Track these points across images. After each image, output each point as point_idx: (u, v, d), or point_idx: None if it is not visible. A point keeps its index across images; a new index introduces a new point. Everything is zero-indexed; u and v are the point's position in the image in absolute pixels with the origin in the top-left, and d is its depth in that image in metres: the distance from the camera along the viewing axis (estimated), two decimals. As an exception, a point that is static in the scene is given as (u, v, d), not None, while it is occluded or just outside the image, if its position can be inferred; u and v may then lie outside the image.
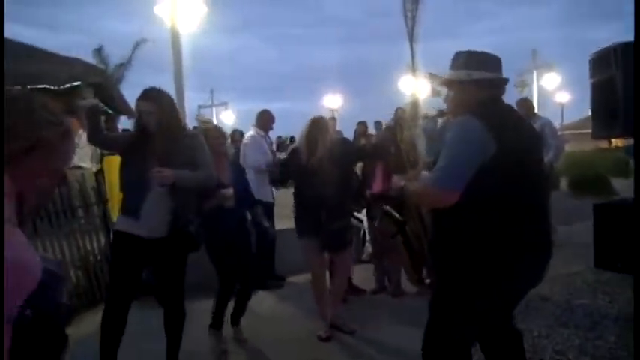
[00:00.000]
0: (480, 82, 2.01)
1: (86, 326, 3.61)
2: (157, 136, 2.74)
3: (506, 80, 2.12)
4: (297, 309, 4.30)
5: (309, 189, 3.49)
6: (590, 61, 4.88)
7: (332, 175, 3.44)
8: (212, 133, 3.48)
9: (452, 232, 1.94)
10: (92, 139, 2.98)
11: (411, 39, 12.81)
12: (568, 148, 21.09)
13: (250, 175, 4.90)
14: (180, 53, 5.61)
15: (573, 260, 5.03)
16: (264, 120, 5.31)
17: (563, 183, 10.96)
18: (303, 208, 3.62)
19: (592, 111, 4.90)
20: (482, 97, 1.99)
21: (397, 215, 2.24)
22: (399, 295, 4.43)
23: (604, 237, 4.83)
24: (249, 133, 5.37)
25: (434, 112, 2.77)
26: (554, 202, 8.19)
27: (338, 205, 3.53)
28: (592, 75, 4.87)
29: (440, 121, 2.90)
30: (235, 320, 3.66)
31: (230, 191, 3.35)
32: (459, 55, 2.10)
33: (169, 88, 5.73)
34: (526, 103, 6.59)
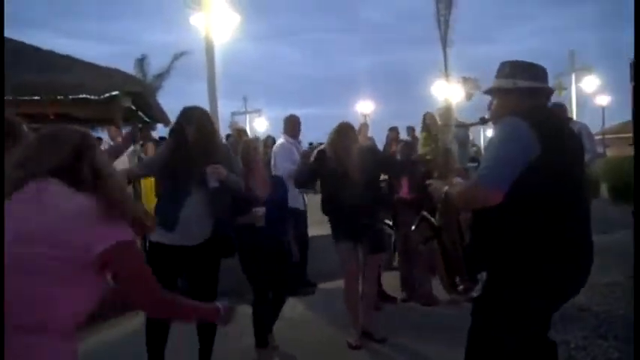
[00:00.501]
0: (525, 90, 2.02)
1: (118, 331, 3.73)
2: (195, 148, 2.84)
3: (552, 90, 2.15)
4: (327, 315, 4.30)
5: (343, 193, 3.51)
6: (630, 64, 4.76)
7: (362, 180, 3.49)
8: (252, 143, 3.57)
9: (496, 233, 1.94)
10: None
11: (444, 44, 12.74)
12: (608, 152, 20.46)
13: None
14: (214, 62, 5.74)
15: (612, 269, 4.86)
16: (291, 125, 5.30)
17: (603, 189, 10.63)
18: (337, 212, 3.63)
19: (633, 116, 4.76)
20: (526, 105, 2.00)
21: (433, 220, 2.22)
22: (430, 305, 4.39)
23: (646, 246, 4.66)
24: (279, 140, 5.41)
25: (467, 120, 2.76)
26: (593, 209, 8.00)
27: (372, 208, 3.59)
28: (633, 79, 4.74)
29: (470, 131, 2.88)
30: (261, 342, 3.60)
31: (262, 210, 3.30)
32: (505, 64, 2.13)
33: (203, 96, 5.86)
34: (560, 109, 6.51)
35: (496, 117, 2.15)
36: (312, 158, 3.81)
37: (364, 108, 25.21)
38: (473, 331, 2.04)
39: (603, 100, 21.28)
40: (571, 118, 6.55)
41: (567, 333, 3.44)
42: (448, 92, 10.81)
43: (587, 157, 6.31)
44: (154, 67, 19.69)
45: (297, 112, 5.46)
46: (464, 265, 2.14)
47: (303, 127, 5.44)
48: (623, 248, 5.10)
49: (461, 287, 2.14)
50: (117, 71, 7.61)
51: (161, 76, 19.24)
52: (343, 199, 3.52)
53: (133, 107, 8.55)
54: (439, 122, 6.86)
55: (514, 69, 2.06)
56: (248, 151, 3.47)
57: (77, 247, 1.22)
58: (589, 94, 16.96)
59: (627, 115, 4.97)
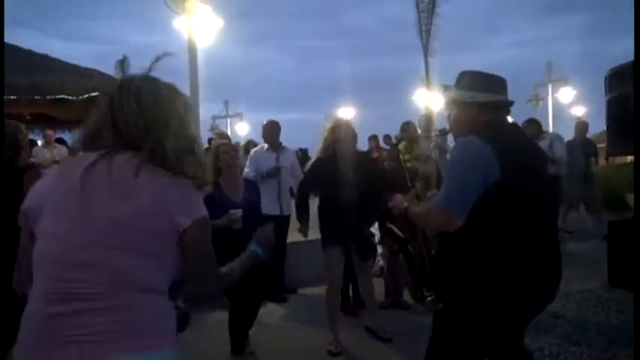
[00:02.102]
0: (484, 104, 1.97)
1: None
2: None
3: (511, 103, 2.07)
4: (307, 322, 4.29)
5: (338, 196, 3.52)
6: (606, 77, 4.88)
7: (356, 180, 3.52)
8: (223, 147, 3.45)
9: (456, 258, 1.91)
10: None
11: (426, 53, 12.87)
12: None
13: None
14: (197, 65, 5.70)
15: (587, 277, 4.97)
16: (267, 131, 5.19)
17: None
18: (330, 216, 3.63)
19: (607, 128, 4.89)
20: (485, 119, 1.96)
21: (399, 233, 2.22)
22: (408, 308, 4.46)
23: (618, 254, 4.79)
24: (257, 147, 5.41)
25: (444, 129, 2.78)
26: (569, 218, 8.15)
27: (365, 214, 3.61)
28: (608, 91, 4.86)
29: (449, 137, 2.91)
30: (237, 350, 3.55)
31: (239, 212, 3.31)
32: (464, 75, 2.08)
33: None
34: (532, 125, 6.78)
35: (456, 129, 2.11)
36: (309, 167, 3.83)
37: (346, 114, 25.31)
38: (431, 344, 2.00)
39: (579, 110, 21.80)
40: (544, 131, 6.77)
41: (541, 340, 3.50)
42: (429, 100, 10.93)
43: (562, 167, 6.53)
44: (135, 68, 19.48)
45: (279, 117, 5.39)
46: (431, 276, 2.14)
47: (285, 133, 5.30)
48: (597, 256, 5.23)
49: (429, 298, 2.13)
50: (97, 72, 7.50)
51: (141, 77, 19.02)
52: (336, 201, 3.53)
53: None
54: (419, 131, 6.96)
55: (473, 81, 2.02)
56: (218, 155, 3.41)
57: (171, 225, 1.30)
58: (565, 104, 17.34)
59: (602, 126, 5.09)
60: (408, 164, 4.58)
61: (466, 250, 1.87)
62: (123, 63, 19.60)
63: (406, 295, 4.55)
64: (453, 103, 2.11)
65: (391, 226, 2.30)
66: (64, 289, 1.22)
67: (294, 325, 4.32)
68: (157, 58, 19.05)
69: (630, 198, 9.48)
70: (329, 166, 3.59)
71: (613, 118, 4.75)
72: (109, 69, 19.10)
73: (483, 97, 1.96)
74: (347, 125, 3.70)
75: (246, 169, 4.99)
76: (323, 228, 3.67)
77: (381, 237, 2.31)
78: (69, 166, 1.43)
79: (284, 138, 5.29)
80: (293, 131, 5.61)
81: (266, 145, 5.16)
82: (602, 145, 5.86)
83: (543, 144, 6.21)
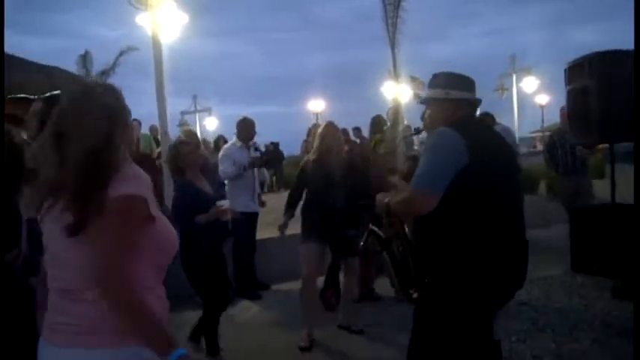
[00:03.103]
0: (457, 101, 2.12)
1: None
2: None
3: (479, 101, 2.24)
4: (280, 318, 4.32)
5: (325, 199, 3.59)
6: (565, 69, 5.01)
7: (344, 184, 3.60)
8: (184, 148, 3.34)
9: (433, 241, 2.01)
10: None
11: (392, 45, 12.94)
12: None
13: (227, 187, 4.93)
14: (162, 62, 5.59)
15: (551, 263, 5.13)
16: (242, 129, 5.17)
17: (542, 185, 11.14)
18: (315, 213, 3.67)
19: (569, 119, 5.03)
20: (458, 114, 2.10)
21: (381, 233, 2.27)
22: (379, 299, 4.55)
23: (580, 241, 4.97)
24: (228, 143, 5.36)
25: (417, 128, 2.86)
26: (531, 205, 8.38)
27: (352, 214, 3.65)
28: (568, 83, 5.01)
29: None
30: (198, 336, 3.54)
31: (226, 202, 3.31)
32: (437, 76, 2.22)
33: (153, 94, 5.69)
34: (486, 118, 6.94)
35: (430, 126, 2.24)
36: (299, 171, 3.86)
37: (315, 107, 25.27)
38: (415, 333, 2.09)
39: (542, 99, 22.38)
40: (497, 124, 6.82)
41: (509, 327, 3.61)
42: (397, 93, 11.02)
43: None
44: (99, 63, 18.95)
45: (249, 111, 5.47)
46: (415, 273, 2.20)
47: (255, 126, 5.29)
48: (559, 242, 5.40)
49: (415, 295, 2.19)
50: (59, 70, 7.31)
51: (106, 73, 18.52)
52: (324, 201, 3.59)
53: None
54: (388, 124, 7.03)
55: (446, 80, 2.17)
56: (178, 154, 3.35)
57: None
58: (529, 94, 17.84)
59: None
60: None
61: (440, 238, 1.97)
62: (85, 58, 19.04)
63: (376, 287, 4.64)
64: (428, 102, 2.25)
65: (374, 227, 2.34)
66: None
67: (267, 322, 4.34)
68: (121, 53, 18.60)
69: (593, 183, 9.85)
70: (318, 169, 3.68)
71: (574, 109, 4.90)
72: (71, 64, 18.56)
73: (456, 94, 2.13)
74: (335, 130, 3.80)
75: (221, 167, 4.95)
76: (304, 226, 3.72)
77: (365, 238, 2.34)
78: None
79: (257, 132, 5.31)
80: (263, 125, 5.61)
81: (239, 142, 5.13)
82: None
83: None
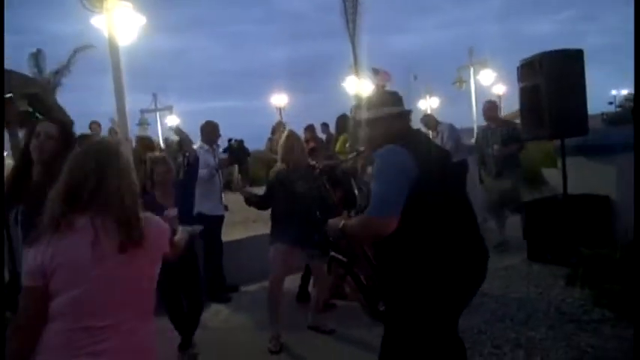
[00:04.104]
0: (391, 116, 2.21)
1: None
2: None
3: (410, 112, 2.34)
4: (251, 320, 4.36)
5: (292, 207, 3.65)
6: (518, 67, 5.22)
7: (312, 195, 3.64)
8: (160, 167, 3.47)
9: (393, 260, 2.06)
10: None
11: (353, 41, 13.10)
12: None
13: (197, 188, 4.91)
14: (120, 63, 5.44)
15: (510, 254, 5.36)
16: (206, 132, 5.23)
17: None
18: (283, 221, 3.73)
19: (521, 115, 5.25)
20: (396, 128, 2.19)
21: (342, 257, 2.33)
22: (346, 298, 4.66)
23: (535, 231, 5.21)
24: (194, 146, 5.32)
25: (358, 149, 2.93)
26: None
27: (317, 223, 3.69)
28: (520, 81, 5.22)
29: None
30: (185, 345, 3.64)
31: (174, 211, 3.35)
32: (370, 97, 2.45)
33: (110, 93, 5.55)
34: (429, 118, 7.30)
35: (373, 145, 2.27)
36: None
37: (278, 101, 25.10)
38: (385, 341, 2.15)
39: (499, 89, 22.97)
40: (438, 122, 7.02)
41: (471, 318, 3.76)
42: (359, 87, 11.12)
43: (451, 148, 6.50)
44: (52, 61, 18.27)
45: (211, 106, 5.56)
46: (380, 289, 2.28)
47: (217, 121, 5.36)
48: (516, 233, 5.62)
49: (382, 309, 2.27)
50: (12, 72, 7.05)
51: (60, 72, 17.90)
52: (293, 207, 3.64)
53: (30, 109, 7.98)
54: (352, 122, 7.11)
55: (377, 99, 2.34)
56: (153, 169, 3.47)
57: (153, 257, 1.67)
58: (486, 86, 18.28)
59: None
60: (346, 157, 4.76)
61: (400, 251, 2.02)
62: (37, 56, 18.33)
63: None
64: (366, 125, 2.29)
65: (333, 253, 2.39)
66: None
67: (238, 325, 4.37)
68: (76, 51, 17.99)
69: (545, 172, 10.24)
70: (284, 178, 3.73)
71: (526, 106, 5.12)
72: (22, 62, 17.78)
73: (390, 110, 2.22)
74: (297, 140, 3.86)
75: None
76: (273, 229, 3.79)
77: (328, 266, 2.40)
78: None
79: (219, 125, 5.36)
80: (225, 119, 5.59)
81: (205, 146, 5.16)
82: (517, 121, 6.04)
83: (438, 140, 6.40)
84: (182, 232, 2.13)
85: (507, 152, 5.65)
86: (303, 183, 3.69)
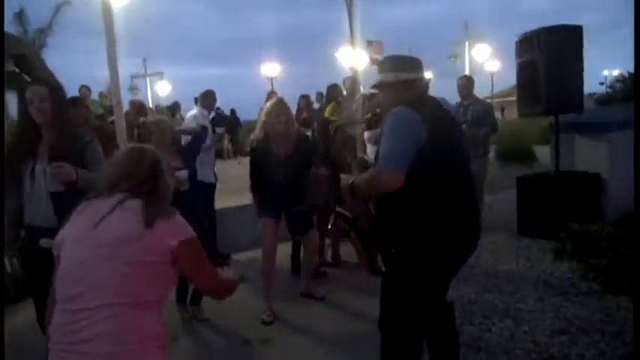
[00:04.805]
0: (407, 82, 2.22)
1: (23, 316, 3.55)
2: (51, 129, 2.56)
3: (428, 79, 2.36)
4: (244, 287, 4.38)
5: (274, 177, 3.62)
6: (516, 42, 5.20)
7: (297, 165, 3.65)
8: (147, 127, 3.50)
9: (397, 218, 2.13)
10: None
11: (349, 10, 12.76)
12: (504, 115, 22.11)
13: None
14: (113, 27, 5.33)
15: (499, 228, 5.44)
16: (210, 100, 5.44)
17: (492, 153, 11.58)
18: (264, 191, 3.71)
19: (518, 90, 5.25)
20: (411, 95, 2.19)
21: (348, 214, 2.37)
22: (337, 265, 4.75)
23: (526, 206, 5.28)
24: (193, 112, 5.30)
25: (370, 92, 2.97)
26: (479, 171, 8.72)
27: (300, 191, 3.73)
28: (518, 56, 5.20)
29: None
30: (195, 300, 3.79)
31: (185, 173, 3.40)
32: (386, 60, 2.35)
33: (97, 54, 5.46)
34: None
35: (385, 109, 2.31)
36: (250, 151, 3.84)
37: (270, 70, 24.79)
38: (383, 300, 2.25)
39: (494, 65, 22.95)
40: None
41: (461, 289, 3.85)
42: (354, 60, 10.95)
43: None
44: (35, 20, 17.74)
45: (203, 73, 5.67)
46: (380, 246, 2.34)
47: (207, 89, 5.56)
48: (507, 207, 5.71)
49: (383, 268, 2.33)
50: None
51: (44, 32, 17.42)
52: (272, 182, 3.62)
53: (17, 70, 7.79)
54: (344, 93, 7.09)
55: (394, 63, 2.28)
56: (147, 134, 3.49)
57: (162, 249, 1.57)
58: (480, 62, 18.25)
59: (514, 80, 5.35)
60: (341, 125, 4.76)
61: (402, 211, 2.09)
62: (20, 16, 17.81)
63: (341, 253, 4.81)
64: (380, 87, 2.33)
65: (340, 209, 2.43)
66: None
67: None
68: (57, 9, 17.44)
69: (537, 149, 10.34)
70: (263, 148, 3.66)
71: (522, 81, 5.12)
72: (6, 22, 17.27)
73: (406, 76, 2.22)
74: (281, 108, 3.68)
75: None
76: (256, 202, 3.78)
77: (333, 222, 2.43)
78: None
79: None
80: (216, 87, 5.65)
81: (205, 111, 5.35)
82: (513, 99, 6.08)
83: None
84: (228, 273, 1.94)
85: (475, 135, 5.23)
86: (284, 152, 3.64)
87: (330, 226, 2.42)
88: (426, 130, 2.00)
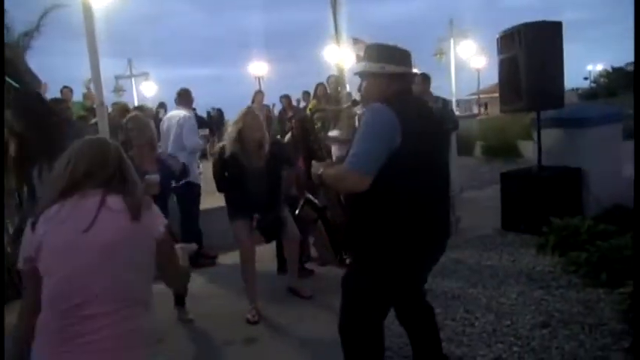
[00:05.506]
0: (392, 75, 2.13)
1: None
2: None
3: (415, 74, 2.26)
4: (228, 288, 4.39)
5: (246, 188, 3.64)
6: (497, 39, 5.24)
7: (269, 175, 3.68)
8: (132, 131, 3.45)
9: (363, 217, 2.09)
10: None
11: (334, 8, 12.78)
12: (484, 113, 22.21)
13: (181, 158, 4.88)
14: (94, 29, 5.29)
15: (483, 223, 5.49)
16: (189, 99, 5.45)
17: (477, 147, 11.69)
18: (236, 200, 3.74)
19: (499, 87, 5.29)
20: (393, 89, 2.12)
21: (317, 202, 2.37)
22: (325, 264, 4.74)
23: (509, 202, 5.33)
24: (183, 113, 5.26)
25: (355, 99, 2.92)
26: (467, 166, 8.80)
27: (271, 200, 3.76)
28: (500, 52, 5.24)
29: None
30: (179, 301, 3.82)
31: (156, 177, 3.35)
32: (373, 48, 2.21)
33: (84, 56, 5.39)
34: (423, 81, 7.32)
35: (366, 99, 2.26)
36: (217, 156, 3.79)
37: (257, 69, 24.58)
38: (342, 304, 2.23)
39: (479, 62, 23.03)
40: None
41: (445, 284, 3.89)
42: (339, 56, 10.98)
43: None
44: (20, 22, 17.49)
45: (190, 73, 5.57)
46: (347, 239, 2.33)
47: (197, 88, 5.69)
48: (492, 203, 5.75)
49: (348, 260, 2.33)
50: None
51: (29, 35, 17.18)
52: (243, 193, 3.63)
53: (0, 75, 7.69)
54: (329, 91, 7.10)
55: (382, 53, 2.16)
56: (126, 132, 3.47)
57: (150, 240, 1.60)
58: (465, 59, 18.33)
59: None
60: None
61: (371, 209, 2.05)
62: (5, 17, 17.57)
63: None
64: (363, 75, 2.23)
65: (310, 196, 2.43)
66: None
67: (215, 291, 4.41)
68: (45, 12, 17.21)
69: (521, 144, 10.42)
70: (235, 157, 3.64)
71: (504, 77, 5.16)
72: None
73: (391, 68, 2.12)
74: (253, 118, 3.67)
75: (194, 138, 5.17)
76: (228, 207, 3.81)
77: (301, 207, 2.42)
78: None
79: (196, 93, 5.65)
80: (204, 87, 5.69)
81: (190, 112, 5.43)
82: (497, 95, 6.07)
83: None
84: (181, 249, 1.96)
85: None
86: (255, 163, 3.66)
87: (297, 212, 2.40)
88: (401, 133, 1.93)
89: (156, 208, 1.69)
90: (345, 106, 3.82)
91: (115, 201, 1.56)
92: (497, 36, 5.22)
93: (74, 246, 1.50)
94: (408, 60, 2.19)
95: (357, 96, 3.05)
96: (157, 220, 1.64)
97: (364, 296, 2.14)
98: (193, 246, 2.14)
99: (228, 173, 3.71)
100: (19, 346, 1.60)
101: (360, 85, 2.30)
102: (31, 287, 1.58)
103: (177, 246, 1.96)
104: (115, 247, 1.51)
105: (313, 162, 2.35)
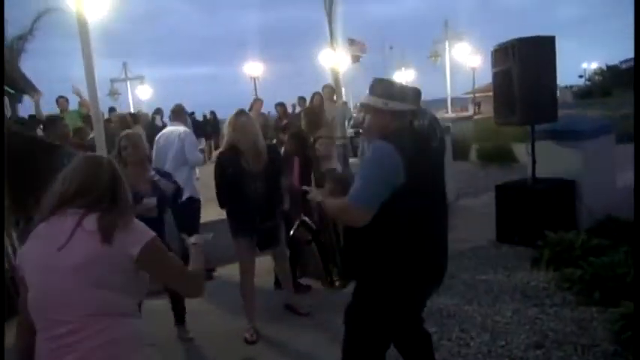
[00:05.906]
0: (395, 112, 2.16)
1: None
2: None
3: (417, 111, 2.24)
4: (226, 303, 4.40)
5: (246, 193, 3.62)
6: (491, 52, 5.27)
7: (268, 180, 3.66)
8: (127, 149, 3.46)
9: (364, 248, 2.13)
10: None
11: (329, 11, 12.76)
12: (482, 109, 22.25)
13: (183, 173, 4.89)
14: (88, 38, 5.26)
15: (477, 233, 5.52)
16: (183, 115, 5.55)
17: (473, 151, 11.68)
18: (234, 208, 3.71)
19: (494, 99, 5.33)
20: (395, 126, 2.15)
21: (312, 224, 2.41)
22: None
23: (504, 214, 5.37)
24: (182, 128, 5.26)
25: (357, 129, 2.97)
26: (462, 172, 8.82)
27: (269, 207, 3.74)
28: (493, 65, 5.28)
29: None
30: (179, 319, 3.86)
31: (154, 200, 3.36)
32: (378, 83, 2.24)
33: (79, 55, 5.36)
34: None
35: (368, 133, 2.30)
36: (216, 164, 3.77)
37: (253, 70, 24.55)
38: (345, 333, 2.27)
39: (474, 61, 23.12)
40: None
41: (441, 302, 3.92)
42: (335, 61, 11.00)
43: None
44: (14, 26, 17.39)
45: (184, 72, 5.58)
46: (340, 264, 2.37)
47: (192, 88, 5.76)
48: (487, 210, 5.78)
49: (337, 283, 2.38)
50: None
51: (23, 38, 17.09)
52: (243, 198, 3.61)
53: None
54: (325, 99, 7.13)
55: (385, 90, 2.19)
56: (123, 146, 3.47)
57: (125, 260, 1.61)
58: (462, 60, 18.39)
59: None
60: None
61: (370, 241, 2.09)
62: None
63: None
64: (367, 109, 2.26)
65: (305, 218, 2.46)
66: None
67: (213, 307, 4.42)
68: (39, 15, 17.15)
69: (515, 147, 10.42)
70: (232, 162, 3.60)
71: (498, 91, 5.20)
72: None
73: (395, 105, 2.15)
74: (246, 121, 3.64)
75: (195, 155, 5.20)
76: (229, 221, 3.77)
77: (296, 227, 2.46)
78: None
79: (191, 94, 5.95)
80: (199, 87, 5.72)
81: (186, 128, 5.41)
82: (490, 94, 6.04)
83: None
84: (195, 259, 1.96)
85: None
86: (252, 167, 3.61)
87: (292, 232, 2.44)
88: (404, 172, 1.98)
89: (139, 225, 1.70)
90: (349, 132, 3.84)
91: (90, 222, 1.61)
92: (491, 49, 5.26)
93: (49, 263, 1.58)
94: (412, 98, 2.21)
95: (352, 103, 3.08)
96: (133, 239, 1.64)
97: (368, 328, 2.19)
98: (208, 236, 2.12)
99: (227, 175, 3.62)
100: None
101: (363, 118, 2.33)
102: (24, 298, 1.66)
103: (192, 239, 2.03)
104: (87, 266, 1.57)
105: (312, 188, 2.40)
